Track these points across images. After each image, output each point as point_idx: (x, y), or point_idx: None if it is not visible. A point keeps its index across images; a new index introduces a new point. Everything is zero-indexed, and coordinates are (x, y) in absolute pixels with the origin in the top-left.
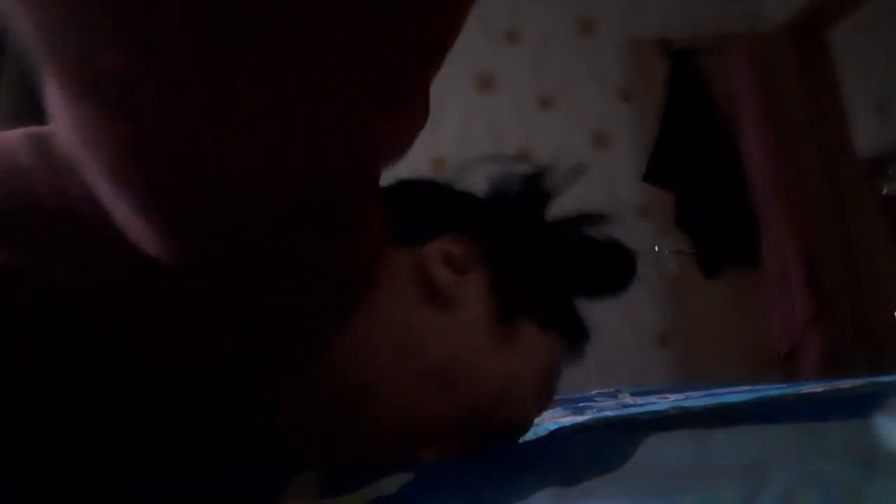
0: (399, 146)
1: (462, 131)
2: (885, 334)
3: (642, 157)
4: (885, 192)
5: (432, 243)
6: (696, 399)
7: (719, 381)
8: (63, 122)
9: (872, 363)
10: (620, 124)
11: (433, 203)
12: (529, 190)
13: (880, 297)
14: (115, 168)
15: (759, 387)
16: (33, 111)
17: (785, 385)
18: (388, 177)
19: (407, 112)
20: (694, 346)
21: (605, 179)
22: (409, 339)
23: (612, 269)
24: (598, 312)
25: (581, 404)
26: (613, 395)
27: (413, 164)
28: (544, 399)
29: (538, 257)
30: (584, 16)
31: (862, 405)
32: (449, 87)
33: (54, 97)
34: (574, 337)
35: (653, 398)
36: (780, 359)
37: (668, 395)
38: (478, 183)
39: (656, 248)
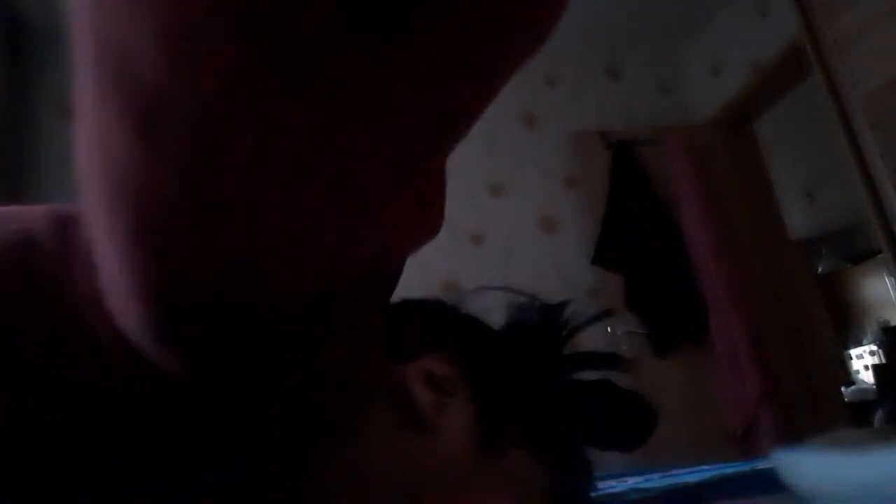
0: (416, 238)
1: None
2: (833, 408)
3: (590, 242)
4: (820, 270)
5: (415, 362)
6: (656, 481)
7: (677, 462)
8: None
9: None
10: (567, 210)
11: (423, 320)
12: (545, 324)
13: (825, 371)
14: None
15: (716, 466)
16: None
17: (741, 463)
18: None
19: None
20: None
21: (556, 262)
22: (387, 464)
23: (629, 422)
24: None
25: None
26: None
27: None
28: None
29: (539, 391)
30: (528, 111)
31: None
32: None
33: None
34: (573, 474)
35: (612, 482)
36: (735, 437)
37: (626, 479)
38: (486, 308)
39: (609, 330)
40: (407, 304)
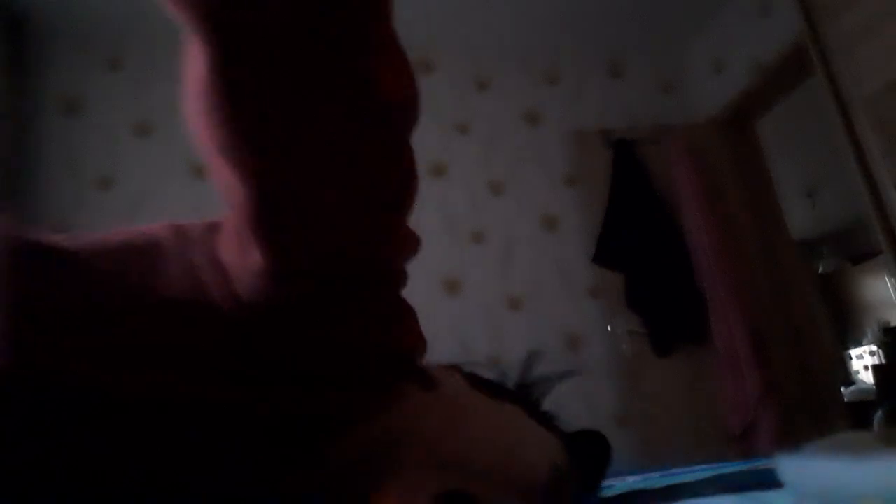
0: (408, 244)
1: (416, 214)
2: (833, 407)
3: (591, 240)
4: (821, 270)
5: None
6: (655, 480)
7: (677, 461)
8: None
9: (822, 436)
10: (568, 209)
11: None
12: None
13: (825, 371)
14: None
15: (716, 465)
16: None
17: (741, 463)
18: None
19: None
20: (651, 426)
21: (556, 261)
22: (418, 409)
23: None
24: (555, 395)
25: None
26: None
27: None
28: (553, 475)
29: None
30: (529, 109)
31: None
32: None
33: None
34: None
35: (612, 480)
36: (735, 437)
37: (626, 478)
38: None
39: (609, 329)
40: None
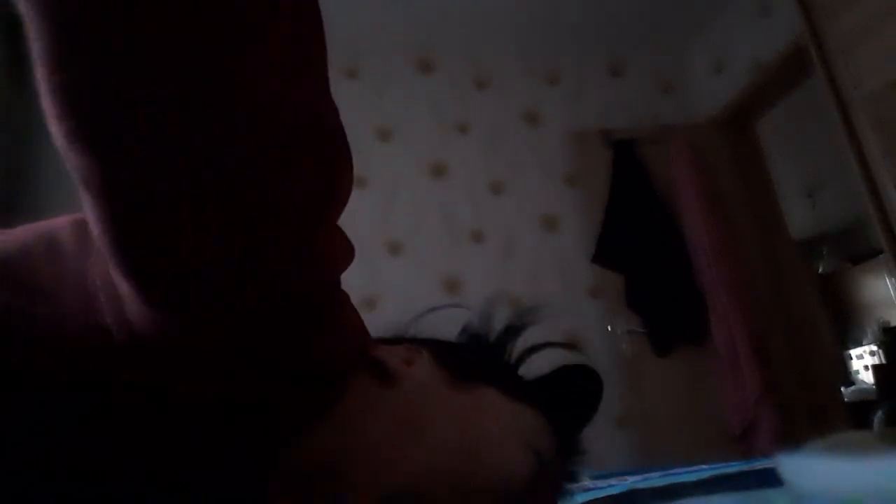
0: (338, 258)
1: (416, 214)
2: (833, 407)
3: (591, 240)
4: (821, 270)
5: (383, 346)
6: (655, 480)
7: (677, 461)
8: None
9: (822, 436)
10: (568, 209)
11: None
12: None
13: (825, 371)
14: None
15: (716, 465)
16: None
17: (741, 463)
18: None
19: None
20: (651, 426)
21: (556, 261)
22: (368, 417)
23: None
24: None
25: None
26: None
27: (372, 245)
28: (534, 460)
29: (495, 360)
30: (529, 109)
31: None
32: (404, 173)
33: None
34: (553, 414)
35: (612, 480)
36: (735, 436)
37: (626, 478)
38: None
39: (609, 329)
40: None
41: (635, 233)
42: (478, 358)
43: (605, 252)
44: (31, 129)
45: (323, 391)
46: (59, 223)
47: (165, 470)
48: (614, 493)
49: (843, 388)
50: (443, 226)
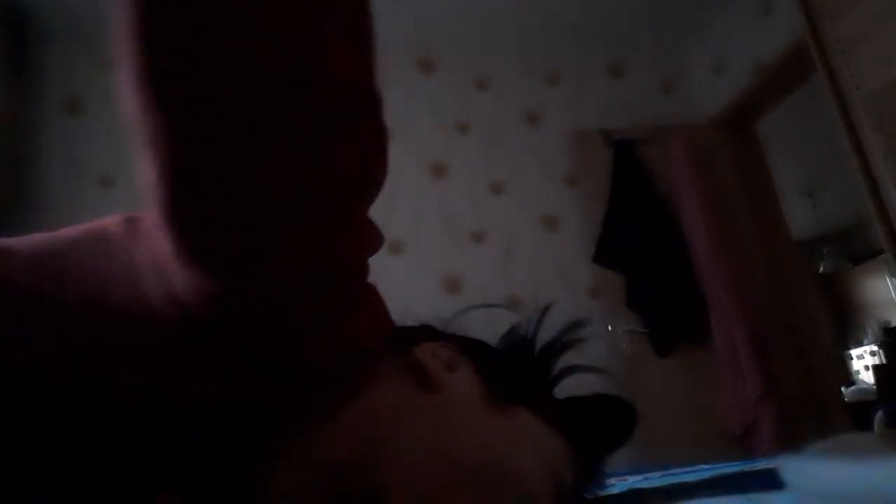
0: (368, 242)
1: (417, 214)
2: (833, 407)
3: (591, 240)
4: (821, 270)
5: (420, 346)
6: (655, 480)
7: (677, 461)
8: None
9: (823, 436)
10: (568, 209)
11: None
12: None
13: (825, 371)
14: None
15: (716, 465)
16: None
17: (741, 463)
18: None
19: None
20: (651, 426)
21: (557, 261)
22: (402, 417)
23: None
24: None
25: None
26: None
27: None
28: (553, 486)
29: (534, 376)
30: (530, 109)
31: None
32: (404, 173)
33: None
34: (580, 442)
35: (612, 480)
36: (735, 437)
37: (626, 478)
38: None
39: (609, 328)
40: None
41: (635, 233)
42: (520, 378)
43: (606, 252)
44: (32, 129)
45: (335, 387)
46: (109, 220)
47: (165, 470)
48: (614, 493)
49: (843, 389)
50: (443, 226)
